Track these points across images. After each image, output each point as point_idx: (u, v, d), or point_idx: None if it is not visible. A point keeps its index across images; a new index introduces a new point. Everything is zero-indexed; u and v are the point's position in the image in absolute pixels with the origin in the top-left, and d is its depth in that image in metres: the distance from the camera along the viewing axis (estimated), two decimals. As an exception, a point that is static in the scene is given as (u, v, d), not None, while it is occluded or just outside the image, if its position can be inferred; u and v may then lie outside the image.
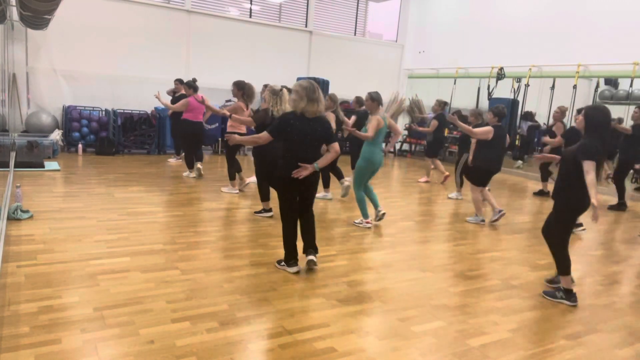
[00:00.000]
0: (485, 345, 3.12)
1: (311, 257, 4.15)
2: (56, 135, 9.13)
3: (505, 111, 6.47)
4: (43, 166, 7.80)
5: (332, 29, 14.00)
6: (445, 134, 10.64)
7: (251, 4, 12.59)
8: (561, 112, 8.15)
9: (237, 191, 7.19)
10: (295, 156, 3.95)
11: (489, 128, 6.20)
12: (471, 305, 3.75)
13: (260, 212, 6.00)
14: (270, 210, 5.98)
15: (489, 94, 12.30)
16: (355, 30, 14.49)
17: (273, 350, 2.86)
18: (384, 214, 6.00)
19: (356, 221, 5.89)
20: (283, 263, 4.20)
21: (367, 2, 14.54)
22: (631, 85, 10.09)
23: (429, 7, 14.63)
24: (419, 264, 4.61)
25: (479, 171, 6.38)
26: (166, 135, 10.57)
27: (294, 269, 4.10)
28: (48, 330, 2.85)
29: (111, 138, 10.00)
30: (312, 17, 13.36)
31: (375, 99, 5.59)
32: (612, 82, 12.06)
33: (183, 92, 8.64)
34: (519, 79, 11.94)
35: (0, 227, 4.23)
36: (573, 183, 3.78)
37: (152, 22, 10.96)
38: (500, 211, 6.42)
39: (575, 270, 4.79)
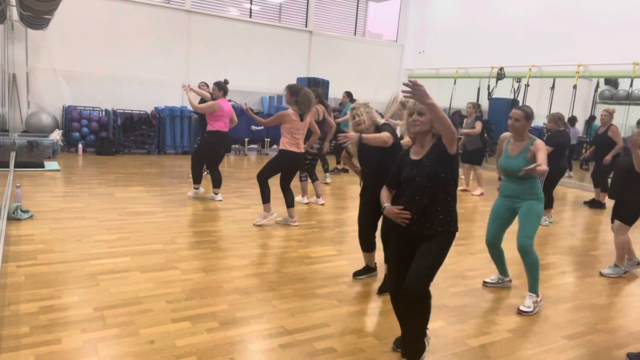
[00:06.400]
0: (485, 345, 3.12)
1: None
2: (56, 135, 9.14)
3: None
4: (43, 166, 7.79)
5: (332, 29, 14.00)
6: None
7: (251, 4, 12.59)
8: (609, 115, 7.43)
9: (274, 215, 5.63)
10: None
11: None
12: (471, 305, 3.74)
13: (360, 273, 4.13)
14: (374, 269, 4.16)
15: (489, 94, 12.30)
16: (355, 31, 14.49)
17: (273, 350, 2.86)
18: (509, 280, 4.16)
19: (525, 309, 3.64)
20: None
21: (367, 2, 14.54)
22: (631, 85, 10.10)
23: (429, 7, 14.63)
24: (419, 264, 4.59)
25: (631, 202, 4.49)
26: (166, 135, 10.58)
27: None
28: (48, 330, 2.85)
29: (111, 138, 9.99)
30: (312, 17, 13.36)
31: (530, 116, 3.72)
32: (612, 82, 12.05)
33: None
34: (519, 79, 11.93)
35: (0, 227, 4.23)
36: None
37: (152, 22, 10.96)
38: (638, 263, 4.81)
39: (575, 270, 4.81)
